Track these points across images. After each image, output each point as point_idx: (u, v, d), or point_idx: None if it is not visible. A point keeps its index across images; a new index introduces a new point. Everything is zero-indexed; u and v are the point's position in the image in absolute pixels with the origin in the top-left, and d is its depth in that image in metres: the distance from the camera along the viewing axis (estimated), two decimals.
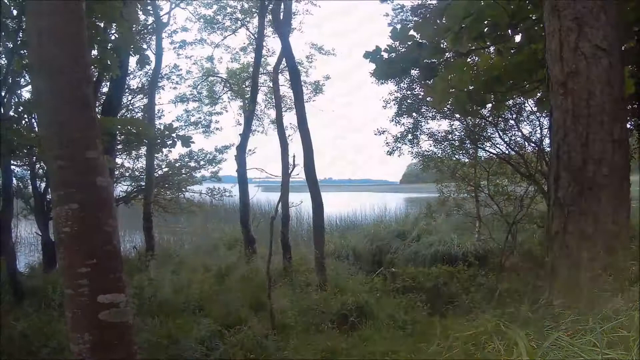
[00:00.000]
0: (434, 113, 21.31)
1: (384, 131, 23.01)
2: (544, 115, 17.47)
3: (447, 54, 7.60)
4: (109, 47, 10.76)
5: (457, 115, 19.54)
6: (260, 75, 28.35)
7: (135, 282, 14.80)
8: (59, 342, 10.15)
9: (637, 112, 15.63)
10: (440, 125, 22.78)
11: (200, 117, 31.49)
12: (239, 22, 29.70)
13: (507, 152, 20.06)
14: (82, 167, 5.01)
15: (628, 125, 14.50)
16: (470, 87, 7.46)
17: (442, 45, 7.40)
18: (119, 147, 19.66)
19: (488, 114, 18.61)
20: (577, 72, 3.82)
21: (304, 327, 12.92)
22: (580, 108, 3.81)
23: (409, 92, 21.93)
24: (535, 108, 16.84)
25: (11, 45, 11.51)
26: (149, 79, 26.06)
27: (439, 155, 22.95)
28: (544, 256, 4.48)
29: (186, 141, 12.36)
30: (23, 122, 13.16)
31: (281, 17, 21.39)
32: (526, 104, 18.44)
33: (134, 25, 12.38)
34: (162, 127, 13.23)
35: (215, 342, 11.51)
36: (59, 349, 10.01)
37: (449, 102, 7.90)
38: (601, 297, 3.87)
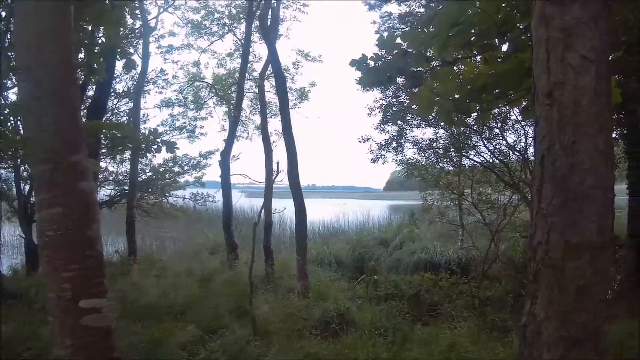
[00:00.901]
0: (418, 121, 21.30)
1: (369, 139, 22.99)
2: (528, 124, 17.53)
3: (433, 62, 7.58)
4: (96, 51, 10.74)
5: (442, 124, 19.55)
6: (246, 81, 28.37)
7: (118, 286, 14.76)
8: (43, 345, 10.11)
9: (623, 121, 15.73)
10: (425, 133, 22.82)
11: (185, 122, 31.45)
12: (226, 27, 29.72)
13: (491, 160, 20.08)
14: (66, 170, 5.01)
15: (614, 135, 14.59)
16: (456, 96, 7.47)
17: (428, 53, 7.41)
18: (103, 151, 19.63)
19: (473, 123, 18.63)
20: (564, 82, 3.82)
21: (285, 333, 12.90)
22: (566, 118, 3.82)
23: (394, 100, 21.92)
24: (521, 117, 16.89)
25: None
26: (135, 83, 26.05)
27: (423, 163, 22.94)
28: (526, 265, 4.50)
29: (171, 147, 12.33)
30: (9, 124, 13.12)
31: (268, 23, 21.40)
32: (511, 113, 18.48)
33: (122, 29, 12.36)
34: (147, 132, 13.20)
35: (197, 347, 11.49)
36: (43, 352, 9.97)
37: (434, 110, 7.88)
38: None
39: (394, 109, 21.81)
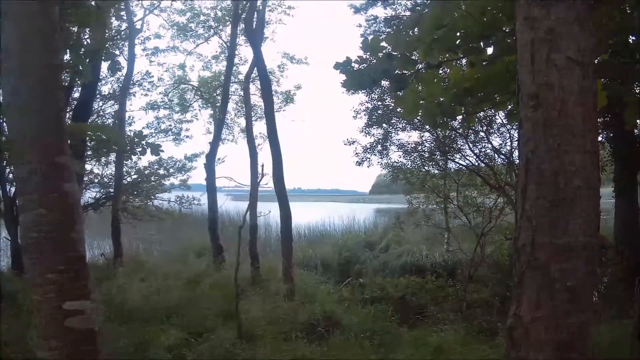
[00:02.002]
0: (404, 124, 21.27)
1: (354, 141, 22.95)
2: (514, 127, 17.53)
3: (418, 65, 7.57)
4: (81, 52, 10.70)
5: (427, 127, 19.51)
6: (231, 84, 28.37)
7: (104, 289, 14.72)
8: (29, 347, 10.07)
9: (610, 124, 15.79)
10: (410, 136, 22.82)
11: (170, 125, 31.40)
12: (211, 30, 29.71)
13: (476, 163, 20.08)
14: (49, 172, 4.99)
15: (600, 138, 14.64)
16: (441, 99, 7.47)
17: (413, 56, 7.40)
18: (88, 153, 19.56)
19: (458, 126, 18.64)
20: (549, 83, 3.82)
21: (272, 336, 12.88)
22: (551, 120, 3.82)
23: (379, 103, 21.89)
24: (506, 120, 16.92)
25: None
26: (121, 85, 25.99)
27: (409, 166, 22.90)
28: (512, 268, 4.51)
29: (155, 149, 12.27)
30: None
31: (254, 26, 21.38)
32: (497, 116, 18.49)
33: (107, 31, 12.32)
34: (132, 134, 13.15)
35: (183, 350, 11.47)
36: (30, 355, 9.93)
37: (419, 113, 7.88)
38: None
39: (379, 112, 21.80)
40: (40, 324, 5.02)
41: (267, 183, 19.15)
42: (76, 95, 20.53)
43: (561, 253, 3.82)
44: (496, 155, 19.74)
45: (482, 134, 19.54)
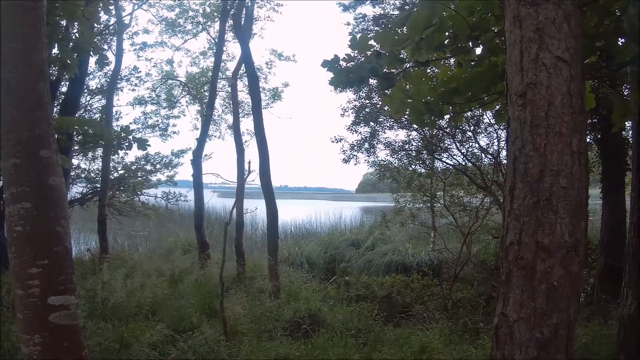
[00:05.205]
0: (391, 123, 21.23)
1: (341, 139, 22.89)
2: (501, 127, 17.55)
3: (406, 64, 7.56)
4: (69, 46, 10.66)
5: (415, 126, 19.49)
6: (219, 80, 28.27)
7: (88, 285, 14.64)
8: (12, 343, 10.03)
9: (597, 126, 15.82)
10: (398, 135, 22.75)
11: (157, 120, 31.31)
12: (200, 26, 29.63)
13: (463, 163, 20.08)
14: (34, 165, 4.96)
15: (587, 139, 14.67)
16: (428, 98, 7.47)
17: (401, 55, 7.39)
18: (75, 147, 19.48)
19: (445, 125, 18.64)
20: (537, 82, 3.82)
21: (256, 333, 12.86)
22: (538, 119, 3.82)
23: (367, 101, 21.85)
24: (493, 120, 16.92)
25: None
26: (108, 80, 25.92)
27: (396, 165, 22.85)
28: (498, 267, 4.48)
29: (142, 144, 12.26)
30: None
31: (242, 22, 21.34)
32: (484, 116, 18.49)
33: (95, 25, 12.27)
34: (119, 129, 13.12)
35: (167, 347, 11.43)
36: (13, 351, 9.88)
37: (406, 112, 7.88)
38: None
39: (366, 110, 21.76)
40: (22, 318, 4.98)
41: (253, 180, 19.12)
42: (64, 89, 20.51)
43: (546, 253, 3.82)
44: (483, 155, 19.75)
45: (469, 133, 19.55)
